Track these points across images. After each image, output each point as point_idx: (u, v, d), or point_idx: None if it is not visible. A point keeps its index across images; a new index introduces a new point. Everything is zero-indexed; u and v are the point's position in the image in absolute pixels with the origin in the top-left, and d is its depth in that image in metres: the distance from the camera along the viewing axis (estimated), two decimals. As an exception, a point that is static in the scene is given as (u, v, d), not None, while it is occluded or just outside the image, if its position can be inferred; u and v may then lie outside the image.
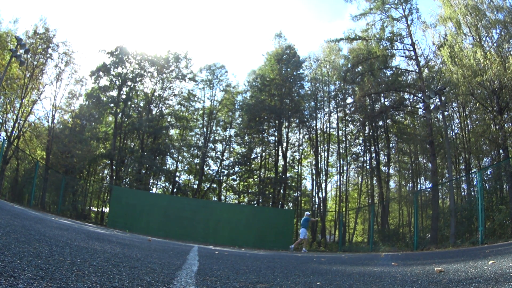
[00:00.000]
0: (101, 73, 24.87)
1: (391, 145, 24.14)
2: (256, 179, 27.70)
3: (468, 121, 19.81)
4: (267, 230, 16.62)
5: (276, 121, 26.22)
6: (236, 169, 27.40)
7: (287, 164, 26.19)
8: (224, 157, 28.03)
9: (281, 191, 25.16)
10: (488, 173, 13.44)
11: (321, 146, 26.56)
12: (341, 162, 26.15)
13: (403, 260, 4.97)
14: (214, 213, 17.00)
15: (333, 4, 57.41)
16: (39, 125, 22.20)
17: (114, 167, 24.26)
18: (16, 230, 2.68)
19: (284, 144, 26.52)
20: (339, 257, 6.98)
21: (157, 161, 25.27)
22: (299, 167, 28.09)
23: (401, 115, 23.56)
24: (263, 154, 27.95)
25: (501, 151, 14.15)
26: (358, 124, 25.39)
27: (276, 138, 26.57)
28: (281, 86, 26.09)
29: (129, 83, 25.39)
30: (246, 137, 27.43)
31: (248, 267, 3.11)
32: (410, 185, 25.35)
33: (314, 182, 25.76)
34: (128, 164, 24.70)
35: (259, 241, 15.81)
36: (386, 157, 24.34)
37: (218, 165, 27.69)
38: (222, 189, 28.58)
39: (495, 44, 13.29)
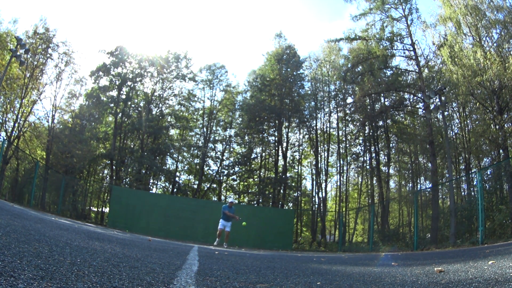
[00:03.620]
0: (101, 73, 24.87)
1: (391, 145, 24.14)
2: (256, 179, 27.70)
3: (468, 121, 19.81)
4: (267, 230, 16.61)
5: (276, 121, 26.22)
6: (236, 169, 27.40)
7: (287, 164, 26.19)
8: (224, 157, 28.06)
9: (281, 191, 25.16)
10: (488, 173, 13.43)
11: (321, 146, 26.57)
12: (341, 162, 26.17)
13: (403, 260, 4.97)
14: (214, 213, 16.92)
15: (333, 4, 57.43)
16: (39, 125, 22.19)
17: (114, 167, 24.26)
18: (16, 230, 2.68)
19: (284, 144, 26.53)
20: (339, 257, 6.98)
21: (157, 161, 25.27)
22: (299, 167, 28.11)
23: (401, 115, 23.57)
24: (263, 154, 27.96)
25: (501, 151, 14.15)
26: (358, 124, 25.39)
27: (276, 138, 26.57)
28: (281, 86, 26.09)
29: (129, 83, 25.39)
30: (246, 137, 27.42)
31: (248, 267, 3.11)
32: (410, 185, 25.37)
33: (314, 182, 25.80)
34: (128, 164, 24.69)
35: (259, 241, 15.80)
36: (386, 157, 24.35)
37: (218, 165, 27.70)
38: (222, 189, 28.58)
39: (495, 44, 13.29)
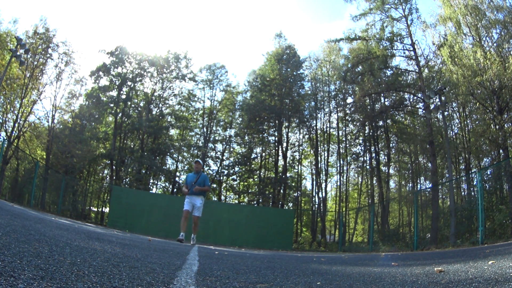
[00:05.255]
0: (101, 73, 24.89)
1: (391, 145, 24.15)
2: (256, 179, 27.70)
3: (468, 121, 19.82)
4: (267, 230, 16.62)
5: (276, 121, 26.23)
6: (236, 169, 27.41)
7: (287, 164, 26.20)
8: (224, 157, 28.08)
9: (281, 191, 25.16)
10: (488, 173, 13.42)
11: (321, 146, 26.58)
12: (341, 162, 26.19)
13: (403, 260, 4.97)
14: (214, 213, 16.98)
15: (332, 4, 57.39)
16: (39, 125, 22.18)
17: (114, 167, 24.26)
18: (16, 230, 2.67)
19: (284, 144, 26.54)
20: (339, 257, 6.98)
21: (157, 161, 25.27)
22: (299, 167, 28.13)
23: (401, 115, 23.57)
24: (263, 154, 27.97)
25: (501, 151, 14.14)
26: (358, 124, 25.41)
27: (276, 138, 26.58)
28: (281, 86, 26.10)
29: (129, 83, 25.40)
30: (246, 137, 27.44)
31: (248, 267, 3.11)
32: (410, 185, 25.38)
33: (314, 182, 25.81)
34: (128, 164, 24.70)
35: (259, 241, 15.81)
36: (386, 157, 24.36)
37: (218, 165, 27.71)
38: (222, 189, 28.58)
39: (495, 44, 13.29)
